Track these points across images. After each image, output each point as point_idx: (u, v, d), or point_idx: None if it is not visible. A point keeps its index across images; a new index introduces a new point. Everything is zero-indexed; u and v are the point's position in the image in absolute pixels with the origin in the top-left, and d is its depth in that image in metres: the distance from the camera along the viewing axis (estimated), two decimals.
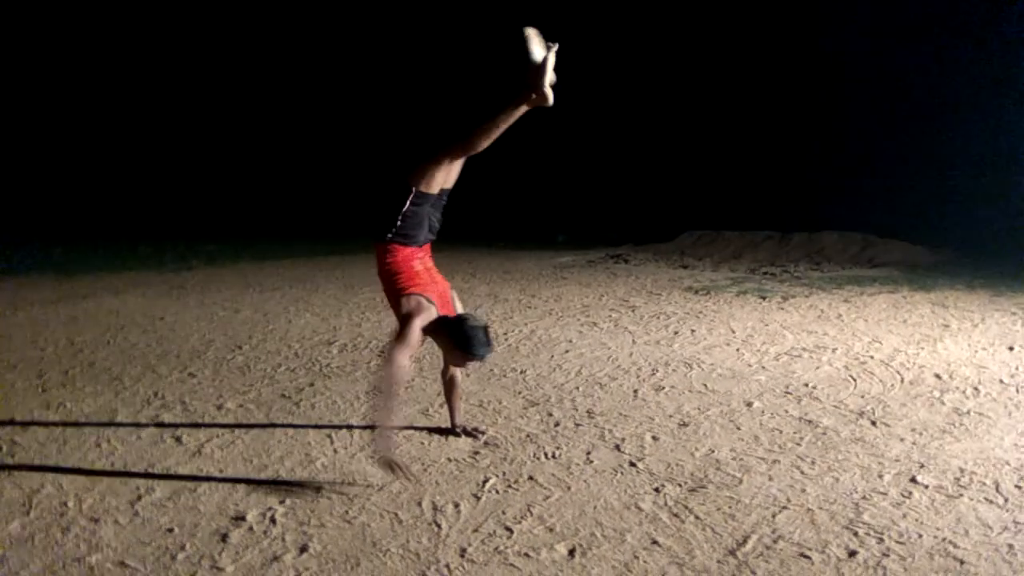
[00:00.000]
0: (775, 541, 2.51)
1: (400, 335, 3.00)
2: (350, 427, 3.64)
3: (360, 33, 18.40)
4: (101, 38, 18.34)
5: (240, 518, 2.67)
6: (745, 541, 2.51)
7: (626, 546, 2.48)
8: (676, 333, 5.80)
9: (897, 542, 2.47)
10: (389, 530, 2.60)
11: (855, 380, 4.38)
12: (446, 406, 3.62)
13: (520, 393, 4.19)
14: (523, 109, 3.00)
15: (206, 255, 11.10)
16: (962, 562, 2.36)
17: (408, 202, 3.10)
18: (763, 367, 4.74)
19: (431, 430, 3.60)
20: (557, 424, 3.69)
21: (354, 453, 3.31)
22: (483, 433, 3.52)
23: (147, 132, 19.27)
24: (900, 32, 12.93)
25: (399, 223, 3.12)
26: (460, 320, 3.09)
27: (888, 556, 2.39)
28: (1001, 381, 4.31)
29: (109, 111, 18.94)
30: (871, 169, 13.63)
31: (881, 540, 2.49)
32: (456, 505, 2.80)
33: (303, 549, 2.46)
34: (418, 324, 3.03)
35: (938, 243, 10.79)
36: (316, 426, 3.65)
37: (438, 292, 3.21)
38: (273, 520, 2.66)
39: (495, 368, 4.68)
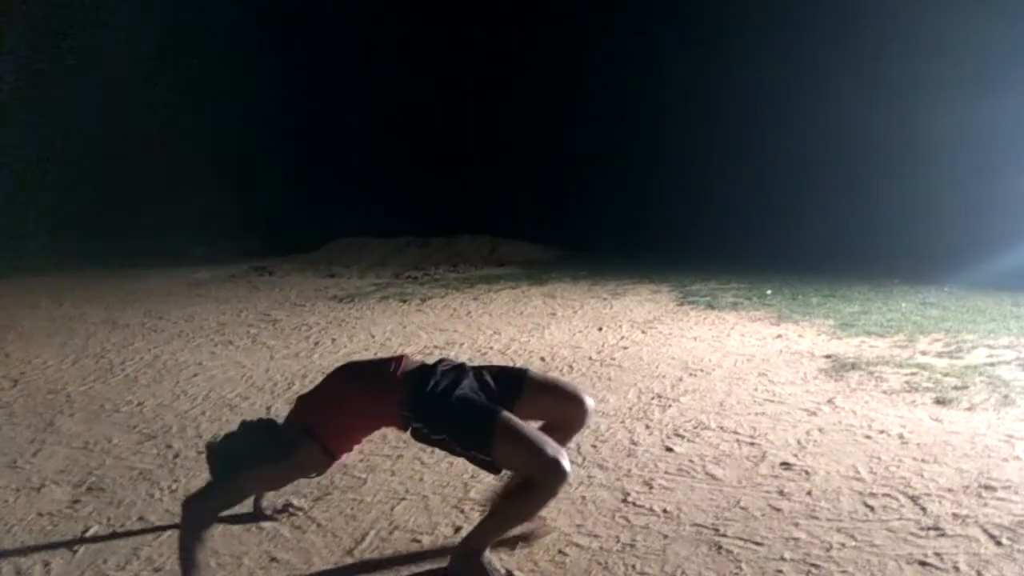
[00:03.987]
0: (391, 532, 2.66)
1: None
2: None
3: None
4: None
5: None
6: (363, 538, 2.62)
7: (243, 569, 2.42)
8: (317, 344, 5.79)
9: None
10: None
11: None
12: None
13: (136, 427, 3.83)
14: None
15: None
16: (546, 517, 2.73)
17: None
18: None
19: (19, 489, 3.12)
20: (177, 455, 3.45)
21: None
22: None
23: None
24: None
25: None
26: None
27: None
28: (590, 358, 5.07)
29: None
30: (503, 173, 14.92)
31: (483, 511, 2.77)
32: (46, 564, 2.47)
33: None
34: None
35: (553, 242, 12.28)
36: None
37: None
38: None
39: (106, 403, 4.22)
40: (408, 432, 2.39)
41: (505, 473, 2.48)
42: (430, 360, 2.52)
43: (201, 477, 3.16)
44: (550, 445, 2.22)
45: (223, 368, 5.02)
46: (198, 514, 2.22)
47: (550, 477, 2.19)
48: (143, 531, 2.71)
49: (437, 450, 3.13)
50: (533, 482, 2.23)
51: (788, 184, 11.56)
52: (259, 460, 2.31)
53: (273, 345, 5.73)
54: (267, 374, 4.86)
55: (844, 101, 10.89)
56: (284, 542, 2.59)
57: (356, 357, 5.29)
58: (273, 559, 2.48)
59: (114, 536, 2.68)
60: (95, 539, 2.65)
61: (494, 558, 2.35)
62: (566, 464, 2.19)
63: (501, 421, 2.24)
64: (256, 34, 14.74)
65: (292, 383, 4.63)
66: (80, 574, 2.42)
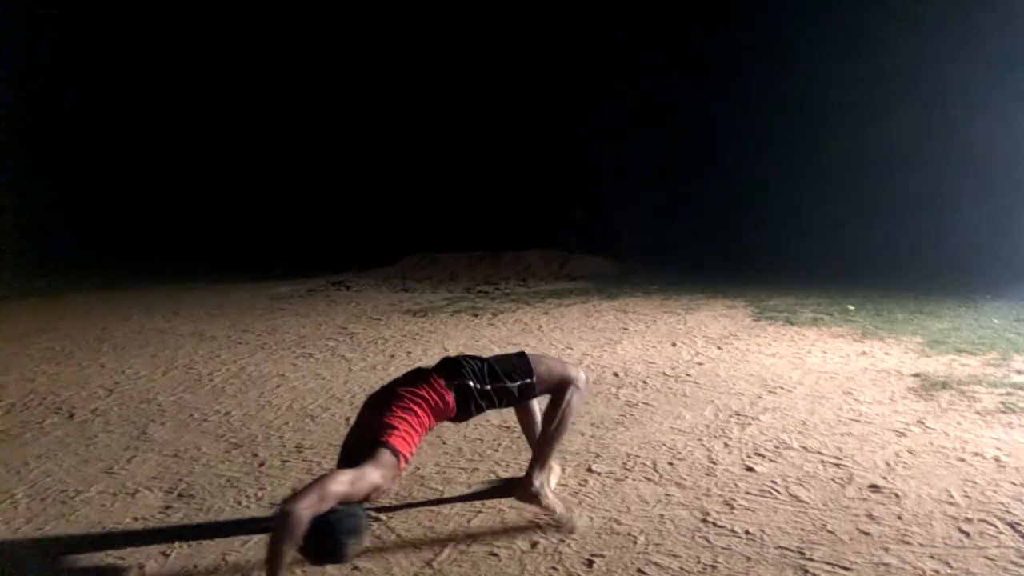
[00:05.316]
0: (469, 545, 2.68)
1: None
2: (14, 500, 3.18)
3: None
4: None
5: None
6: (442, 550, 2.65)
7: None
8: (393, 356, 5.90)
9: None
10: None
11: None
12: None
13: (223, 436, 3.98)
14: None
15: None
16: (625, 535, 2.70)
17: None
18: None
19: (115, 493, 3.28)
20: (262, 464, 3.57)
21: (18, 527, 2.90)
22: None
23: None
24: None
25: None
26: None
27: (564, 541, 2.66)
28: (664, 374, 5.00)
29: None
30: (572, 190, 14.91)
31: (559, 528, 2.77)
32: (141, 567, 2.59)
33: None
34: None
35: (624, 256, 12.20)
36: None
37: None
38: None
39: (195, 413, 4.40)
40: (458, 407, 2.80)
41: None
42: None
43: (286, 485, 3.26)
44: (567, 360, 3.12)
45: (304, 380, 5.17)
46: (292, 517, 2.26)
47: (579, 378, 2.95)
48: (231, 537, 2.81)
49: (512, 463, 3.13)
50: (564, 390, 2.90)
51: (871, 196, 11.18)
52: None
53: (351, 358, 5.86)
54: (346, 386, 4.97)
55: (932, 112, 10.50)
56: (365, 551, 2.63)
57: None
58: (355, 567, 2.53)
59: (204, 541, 2.78)
60: (186, 544, 2.76)
61: (549, 491, 2.92)
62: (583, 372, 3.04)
63: (529, 353, 3.01)
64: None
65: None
66: None
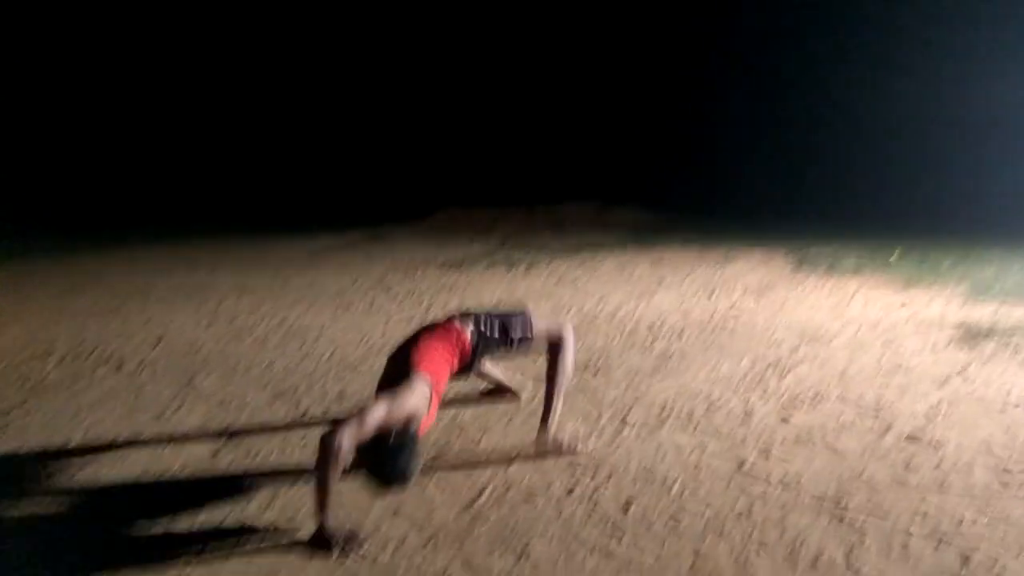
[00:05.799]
0: (507, 490, 2.74)
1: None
2: (69, 447, 3.33)
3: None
4: None
5: None
6: (480, 494, 2.71)
7: (369, 521, 2.56)
8: (429, 308, 5.96)
9: (608, 475, 2.81)
10: (127, 553, 2.45)
11: (583, 336, 4.82)
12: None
13: (267, 386, 4.09)
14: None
15: None
16: (660, 483, 2.74)
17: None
18: None
19: (165, 441, 3.41)
20: (305, 413, 3.67)
21: (74, 474, 3.04)
22: None
23: None
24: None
25: None
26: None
27: (600, 487, 2.71)
28: (701, 324, 4.98)
29: None
30: (604, 138, 14.72)
31: (595, 475, 2.81)
32: (194, 510, 2.70)
33: None
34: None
35: (661, 206, 12.03)
36: (28, 449, 3.29)
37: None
38: None
39: (239, 363, 4.52)
40: (473, 352, 3.00)
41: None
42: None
43: None
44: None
45: (344, 331, 5.26)
46: (332, 445, 2.37)
47: (568, 337, 3.13)
48: (278, 481, 2.91)
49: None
50: (559, 349, 3.08)
51: (916, 138, 10.84)
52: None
53: (388, 309, 5.93)
54: (383, 337, 5.05)
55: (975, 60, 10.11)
56: (407, 495, 2.71)
57: None
58: (396, 512, 2.61)
59: (251, 486, 2.89)
60: (235, 487, 2.87)
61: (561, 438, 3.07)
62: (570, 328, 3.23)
63: (530, 312, 3.27)
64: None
65: None
66: (223, 519, 2.63)
